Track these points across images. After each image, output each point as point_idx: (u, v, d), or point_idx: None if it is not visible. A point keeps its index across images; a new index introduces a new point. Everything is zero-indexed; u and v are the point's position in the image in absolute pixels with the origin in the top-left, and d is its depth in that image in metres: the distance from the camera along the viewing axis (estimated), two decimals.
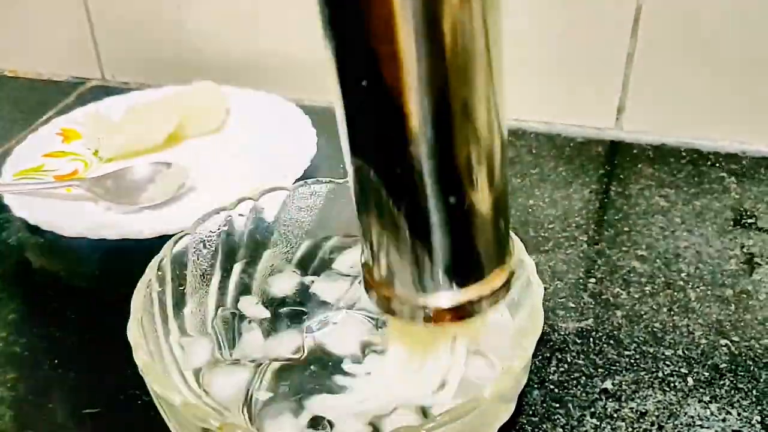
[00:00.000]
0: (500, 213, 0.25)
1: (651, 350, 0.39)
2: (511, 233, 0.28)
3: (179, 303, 0.36)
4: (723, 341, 0.40)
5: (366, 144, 0.24)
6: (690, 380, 0.37)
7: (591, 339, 0.40)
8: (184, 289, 0.36)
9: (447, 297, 0.25)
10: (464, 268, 0.25)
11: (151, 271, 0.33)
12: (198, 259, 0.37)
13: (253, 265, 0.39)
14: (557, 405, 0.36)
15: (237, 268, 0.39)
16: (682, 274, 0.44)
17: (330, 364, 0.35)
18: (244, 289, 0.39)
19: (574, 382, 0.37)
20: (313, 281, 0.40)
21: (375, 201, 0.25)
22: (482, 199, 0.24)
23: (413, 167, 0.23)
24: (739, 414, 0.35)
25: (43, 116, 0.66)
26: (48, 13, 0.72)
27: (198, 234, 0.37)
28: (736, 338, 0.40)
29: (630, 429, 0.35)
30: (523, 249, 0.34)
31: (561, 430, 0.35)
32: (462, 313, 0.26)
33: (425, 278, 0.25)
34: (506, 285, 0.27)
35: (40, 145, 0.58)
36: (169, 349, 0.33)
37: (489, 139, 0.23)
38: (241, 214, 0.38)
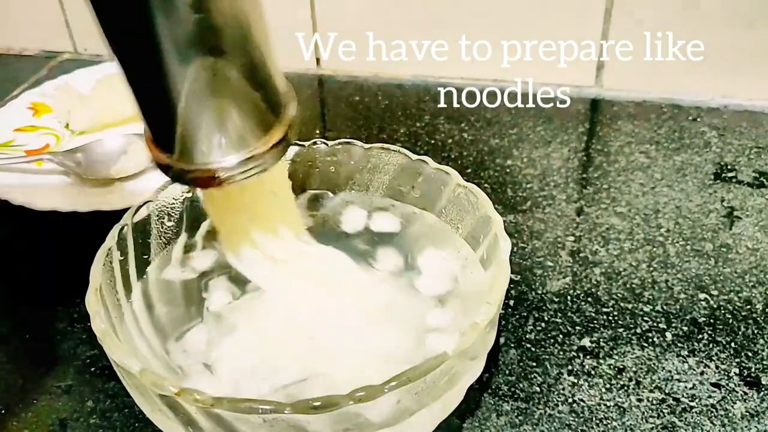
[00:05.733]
0: (258, 71, 0.27)
1: (629, 306, 0.39)
2: (288, 85, 0.29)
3: (142, 272, 0.35)
4: (702, 295, 0.39)
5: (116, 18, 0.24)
6: (668, 335, 0.37)
7: (569, 297, 0.39)
8: (149, 257, 0.35)
9: (230, 158, 0.27)
10: (236, 130, 0.27)
11: (111, 240, 0.32)
12: (162, 227, 0.36)
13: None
14: (534, 364, 0.36)
15: (201, 232, 0.38)
16: (662, 230, 0.44)
17: None
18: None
19: (552, 340, 0.37)
20: None
21: (136, 72, 0.26)
22: (238, 63, 0.25)
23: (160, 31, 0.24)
24: (717, 367, 0.35)
25: (14, 91, 0.65)
26: None
27: (161, 201, 0.36)
28: (715, 292, 0.39)
29: (608, 385, 0.34)
30: (490, 205, 0.33)
31: (538, 388, 0.34)
32: (248, 170, 0.27)
33: (206, 144, 0.27)
34: (284, 139, 0.28)
35: (11, 119, 0.57)
36: (131, 315, 0.32)
37: None
38: None
